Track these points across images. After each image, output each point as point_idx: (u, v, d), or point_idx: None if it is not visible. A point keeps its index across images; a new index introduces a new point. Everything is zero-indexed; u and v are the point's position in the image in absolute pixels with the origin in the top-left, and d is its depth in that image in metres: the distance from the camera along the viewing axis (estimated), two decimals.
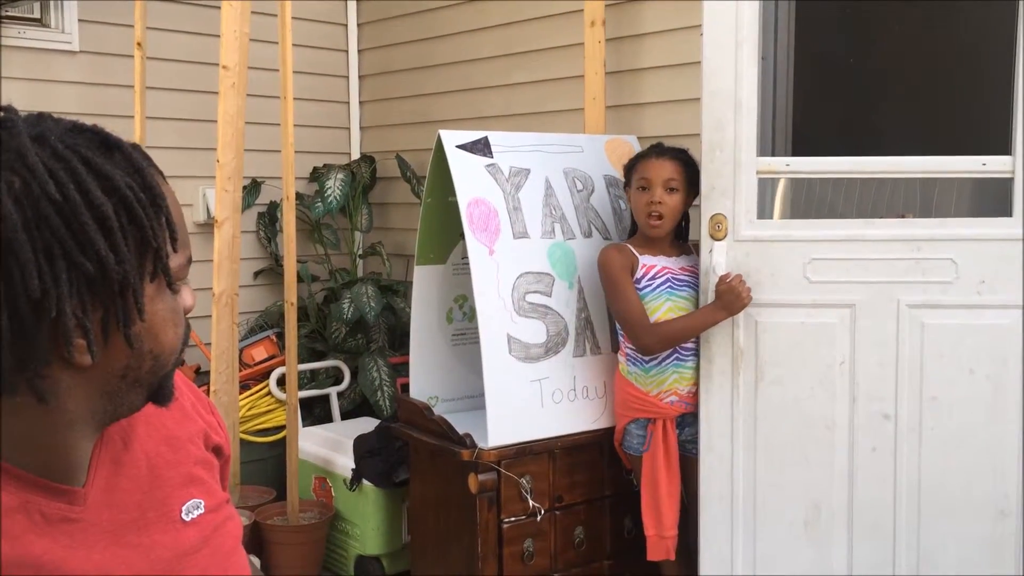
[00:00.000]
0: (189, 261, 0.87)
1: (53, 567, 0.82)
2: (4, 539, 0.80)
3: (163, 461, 0.95)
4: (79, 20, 3.70)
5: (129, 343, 0.81)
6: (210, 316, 3.03)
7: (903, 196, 2.96)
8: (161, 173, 0.86)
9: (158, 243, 0.81)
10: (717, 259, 2.50)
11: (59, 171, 0.76)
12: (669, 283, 2.62)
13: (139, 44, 3.32)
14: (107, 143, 0.81)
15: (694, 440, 2.62)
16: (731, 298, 2.46)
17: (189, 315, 0.90)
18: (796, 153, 3.16)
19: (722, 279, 2.47)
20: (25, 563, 0.80)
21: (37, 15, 3.64)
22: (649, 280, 2.61)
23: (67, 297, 0.75)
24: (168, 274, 0.83)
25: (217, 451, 1.05)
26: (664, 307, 2.60)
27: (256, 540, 3.25)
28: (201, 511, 0.96)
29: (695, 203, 2.64)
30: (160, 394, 0.89)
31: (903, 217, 2.69)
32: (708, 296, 2.51)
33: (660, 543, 2.61)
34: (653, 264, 2.63)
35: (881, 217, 2.81)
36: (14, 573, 0.80)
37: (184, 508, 0.95)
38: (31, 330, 0.75)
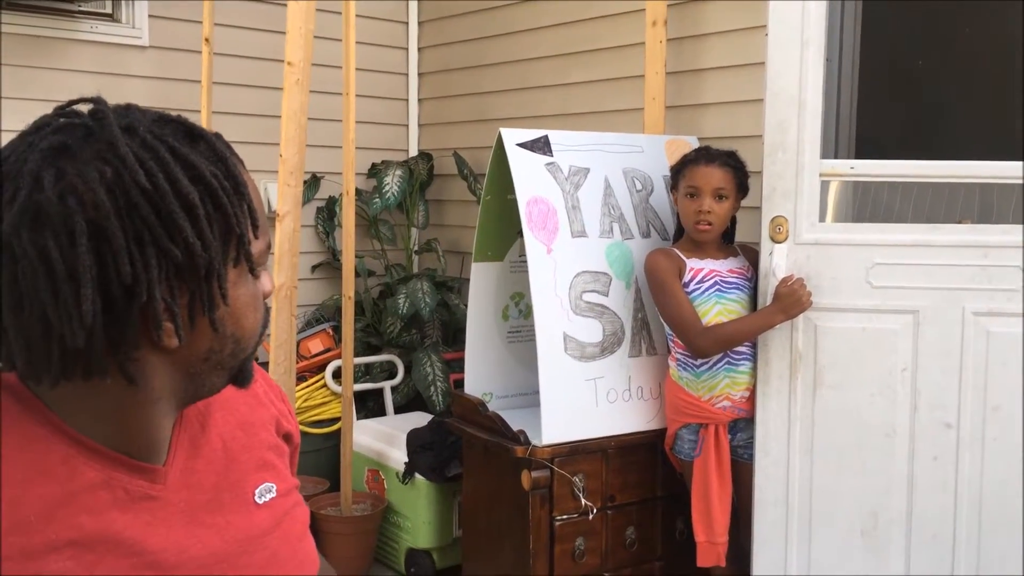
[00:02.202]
0: (269, 247, 0.89)
1: (133, 542, 0.84)
2: (87, 513, 0.82)
3: (238, 445, 0.98)
4: (149, 16, 3.78)
5: (214, 327, 0.83)
6: (269, 308, 3.07)
7: (962, 201, 2.90)
8: (242, 162, 0.88)
9: (241, 229, 0.83)
10: (777, 261, 2.48)
11: (148, 161, 0.78)
12: (717, 286, 2.60)
13: (207, 40, 3.38)
14: (192, 133, 0.84)
15: (746, 445, 2.59)
16: (791, 301, 2.43)
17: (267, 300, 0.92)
18: (859, 156, 3.12)
19: (783, 281, 2.45)
20: (107, 537, 0.83)
21: (109, 10, 3.72)
22: (697, 284, 2.59)
23: (156, 282, 0.78)
24: (250, 260, 0.85)
25: (287, 438, 1.07)
26: (714, 310, 2.58)
27: (309, 529, 3.29)
28: (273, 495, 0.98)
29: (744, 204, 2.63)
30: (240, 377, 0.91)
31: (961, 223, 2.63)
32: (766, 299, 2.49)
33: (711, 549, 2.59)
34: (701, 267, 2.61)
35: (941, 222, 2.75)
36: (98, 547, 0.82)
37: (257, 491, 0.97)
38: (123, 314, 0.78)
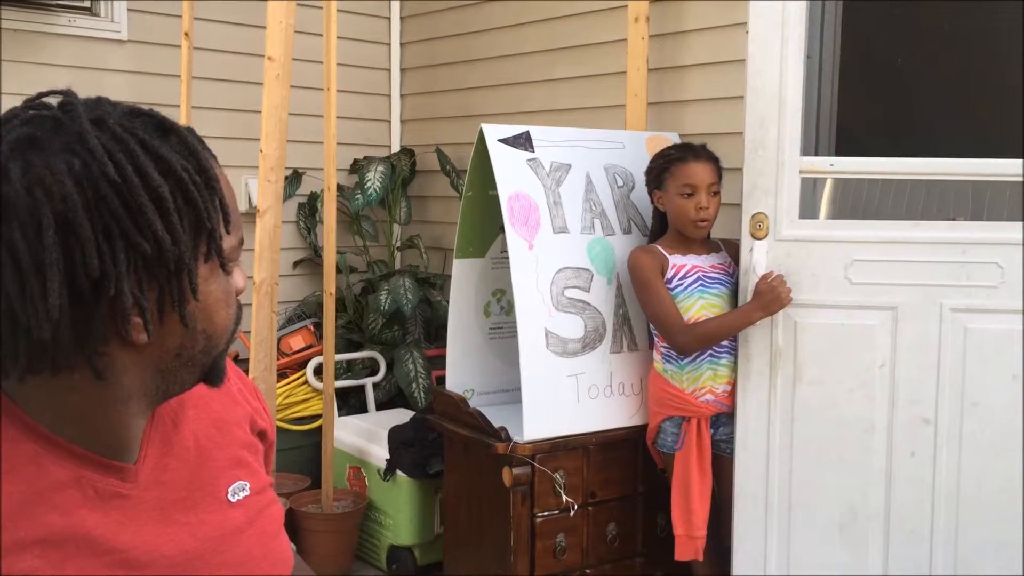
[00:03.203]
0: (241, 243, 0.89)
1: (103, 541, 0.84)
2: (56, 512, 0.82)
3: (211, 443, 0.97)
4: (128, 10, 3.75)
5: (184, 322, 0.83)
6: (250, 304, 3.06)
7: (953, 199, 2.91)
8: (214, 156, 0.88)
9: (212, 224, 0.83)
10: (757, 258, 2.49)
11: (118, 153, 0.77)
12: (700, 281, 2.61)
13: (186, 34, 3.35)
14: (163, 127, 0.83)
15: (728, 440, 2.61)
16: (770, 298, 2.44)
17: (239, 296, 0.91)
18: (841, 154, 3.13)
19: (763, 278, 2.46)
20: (76, 536, 0.82)
21: (87, 4, 3.69)
22: (680, 279, 2.61)
23: (125, 276, 0.77)
24: (221, 255, 0.85)
25: (262, 435, 1.06)
26: (696, 305, 2.59)
27: (290, 527, 3.26)
28: (247, 493, 0.98)
29: (725, 201, 2.64)
30: (212, 375, 0.90)
31: (955, 220, 2.65)
32: (747, 295, 2.50)
33: (689, 543, 2.60)
34: (683, 263, 2.62)
35: (933, 219, 2.77)
36: (66, 545, 0.81)
37: (230, 489, 0.96)
38: (90, 308, 0.77)
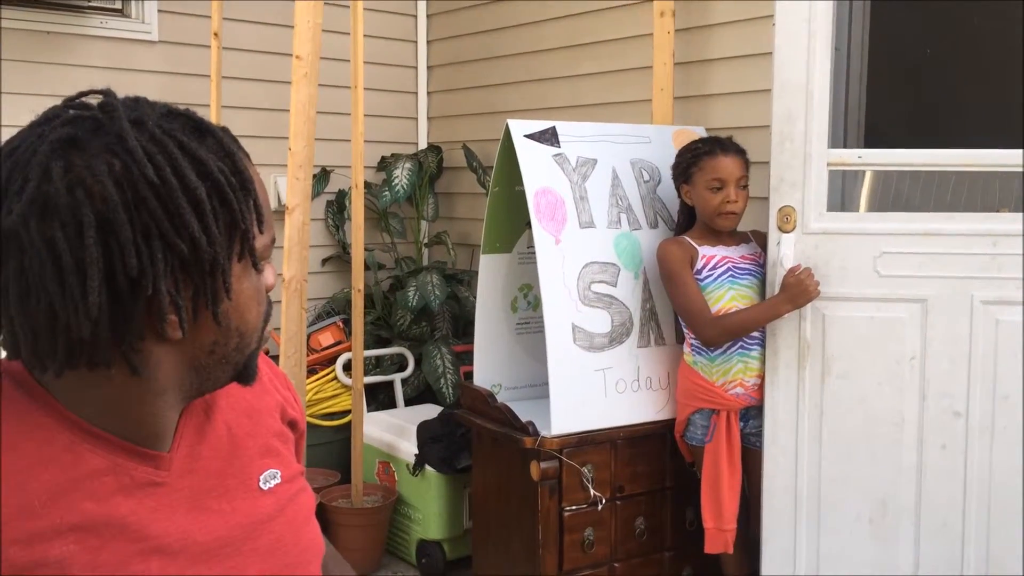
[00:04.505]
0: (273, 241, 0.90)
1: (137, 527, 0.86)
2: (92, 499, 0.84)
3: (243, 432, 0.99)
4: (158, 11, 3.80)
5: (217, 320, 0.84)
6: (280, 301, 3.09)
7: (999, 191, 2.87)
8: (248, 156, 0.89)
9: (246, 225, 0.84)
10: (785, 251, 2.48)
11: (157, 155, 0.79)
12: (730, 272, 2.61)
13: (216, 34, 3.39)
14: (200, 128, 0.85)
15: (758, 433, 2.60)
16: (798, 291, 2.43)
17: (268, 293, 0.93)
18: (868, 146, 3.11)
19: (791, 271, 2.45)
20: (111, 522, 0.84)
21: (118, 5, 3.74)
22: (710, 271, 2.61)
23: (162, 275, 0.79)
24: (254, 255, 0.86)
25: (292, 425, 1.08)
26: (727, 296, 2.59)
27: (320, 521, 3.30)
28: (278, 481, 0.99)
29: (752, 195, 2.63)
30: (245, 374, 0.92)
31: (1000, 212, 2.61)
32: (774, 289, 2.49)
33: (719, 536, 2.60)
34: (713, 254, 2.62)
35: (964, 212, 2.73)
36: (102, 532, 0.83)
37: (262, 477, 0.98)
38: (128, 306, 0.79)
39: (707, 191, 2.60)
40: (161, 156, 0.79)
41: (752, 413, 2.62)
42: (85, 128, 0.79)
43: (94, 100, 0.83)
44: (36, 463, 0.82)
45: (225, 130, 0.87)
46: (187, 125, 0.84)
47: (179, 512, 0.89)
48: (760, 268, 2.63)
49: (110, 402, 0.85)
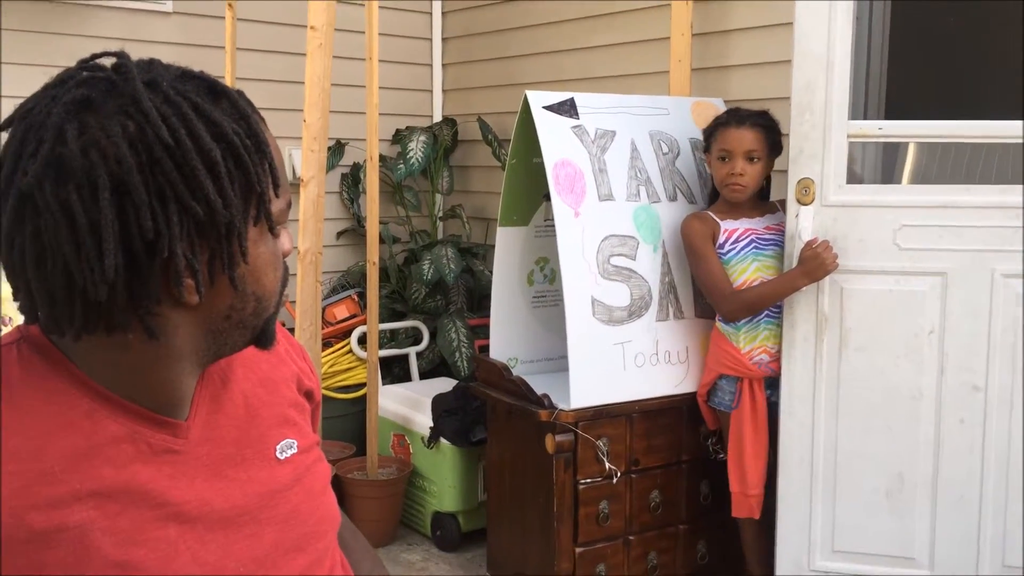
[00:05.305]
0: (289, 206, 0.90)
1: (156, 494, 0.86)
2: (111, 465, 0.84)
3: (259, 401, 0.98)
4: None
5: (233, 284, 0.84)
6: (295, 274, 3.09)
7: (1012, 164, 2.83)
8: (263, 120, 0.88)
9: (262, 188, 0.84)
10: (803, 224, 2.46)
11: (171, 117, 0.78)
12: (754, 244, 2.61)
13: (230, 5, 3.37)
14: (214, 90, 0.84)
15: None
16: (815, 264, 2.42)
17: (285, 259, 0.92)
18: (889, 118, 3.07)
19: (808, 244, 2.43)
20: (130, 489, 0.84)
21: None
22: (733, 244, 2.61)
23: (178, 238, 0.78)
24: (270, 218, 0.86)
25: (309, 395, 1.08)
26: (751, 267, 2.59)
27: (336, 493, 3.32)
28: (294, 451, 0.99)
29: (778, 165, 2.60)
30: (263, 337, 0.92)
31: None
32: (793, 261, 2.47)
33: (744, 501, 2.62)
34: (735, 228, 2.62)
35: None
36: (120, 498, 0.83)
37: (278, 447, 0.98)
38: (144, 269, 0.78)
39: (717, 161, 2.63)
40: (175, 118, 0.78)
41: (779, 382, 2.61)
42: (99, 90, 0.78)
43: (108, 63, 0.82)
44: (55, 428, 0.82)
45: (240, 92, 0.86)
46: (201, 87, 0.83)
47: (197, 480, 0.89)
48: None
49: (128, 368, 0.85)
